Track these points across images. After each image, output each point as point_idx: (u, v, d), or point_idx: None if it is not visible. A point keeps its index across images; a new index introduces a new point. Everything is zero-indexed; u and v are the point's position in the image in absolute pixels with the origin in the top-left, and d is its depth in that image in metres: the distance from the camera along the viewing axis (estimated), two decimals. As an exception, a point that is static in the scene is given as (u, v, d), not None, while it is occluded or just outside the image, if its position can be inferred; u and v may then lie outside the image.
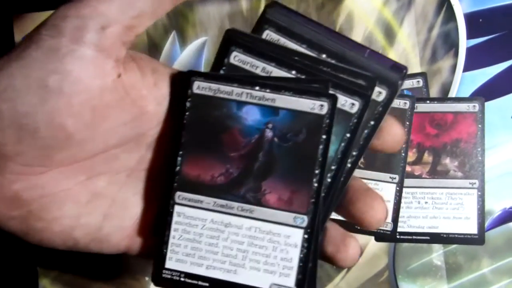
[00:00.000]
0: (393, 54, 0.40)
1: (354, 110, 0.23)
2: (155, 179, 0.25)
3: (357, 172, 0.39)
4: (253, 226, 0.23)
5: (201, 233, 0.23)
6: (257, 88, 0.22)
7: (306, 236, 0.22)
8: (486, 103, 0.38)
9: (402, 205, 0.38)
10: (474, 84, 0.40)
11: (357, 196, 0.24)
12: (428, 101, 0.39)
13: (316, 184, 0.22)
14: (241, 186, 0.23)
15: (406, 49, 0.40)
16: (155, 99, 0.24)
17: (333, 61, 0.23)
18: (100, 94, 0.22)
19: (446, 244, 0.40)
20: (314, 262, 0.23)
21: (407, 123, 0.38)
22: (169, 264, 0.23)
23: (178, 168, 0.23)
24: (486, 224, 0.39)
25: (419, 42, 0.40)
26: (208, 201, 0.23)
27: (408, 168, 0.38)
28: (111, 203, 0.24)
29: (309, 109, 0.22)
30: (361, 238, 0.40)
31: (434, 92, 0.40)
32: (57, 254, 0.39)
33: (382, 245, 0.40)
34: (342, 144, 0.23)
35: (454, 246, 0.40)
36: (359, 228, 0.37)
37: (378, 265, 0.40)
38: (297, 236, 0.22)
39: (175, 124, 0.24)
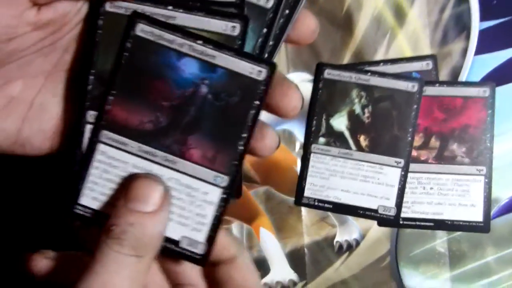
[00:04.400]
0: (402, 35, 0.39)
1: (270, 5, 0.23)
2: (74, 79, 0.25)
3: (361, 155, 0.39)
4: (173, 177, 0.23)
5: (121, 175, 0.23)
6: (199, 42, 0.23)
7: (223, 195, 0.23)
8: (498, 88, 0.37)
9: (406, 190, 0.37)
10: (486, 68, 0.39)
11: (272, 85, 0.24)
12: (437, 85, 0.37)
13: (241, 148, 0.23)
14: (167, 136, 0.23)
15: (416, 30, 0.39)
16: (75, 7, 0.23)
17: None
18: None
19: (450, 231, 0.39)
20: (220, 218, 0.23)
21: (415, 106, 0.37)
22: (83, 200, 0.23)
23: (108, 107, 0.23)
24: (492, 212, 0.38)
25: (430, 23, 0.39)
26: (133, 145, 0.23)
27: (414, 153, 0.37)
28: (29, 106, 0.24)
29: (247, 73, 0.23)
30: (364, 222, 0.39)
31: (443, 75, 0.39)
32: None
33: (385, 230, 0.40)
34: (260, 40, 0.24)
35: (458, 233, 0.39)
36: (363, 213, 0.38)
37: (380, 251, 0.40)
38: (215, 194, 0.23)
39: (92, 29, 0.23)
